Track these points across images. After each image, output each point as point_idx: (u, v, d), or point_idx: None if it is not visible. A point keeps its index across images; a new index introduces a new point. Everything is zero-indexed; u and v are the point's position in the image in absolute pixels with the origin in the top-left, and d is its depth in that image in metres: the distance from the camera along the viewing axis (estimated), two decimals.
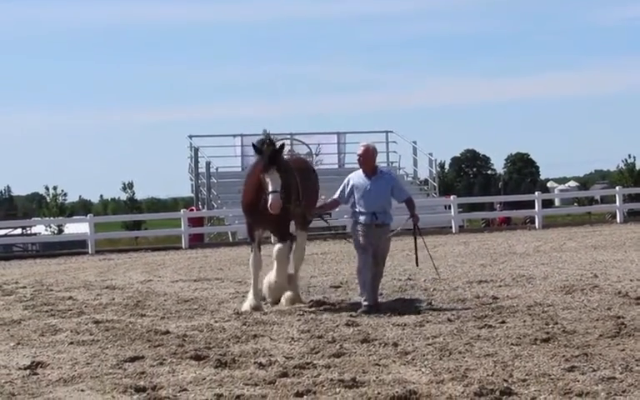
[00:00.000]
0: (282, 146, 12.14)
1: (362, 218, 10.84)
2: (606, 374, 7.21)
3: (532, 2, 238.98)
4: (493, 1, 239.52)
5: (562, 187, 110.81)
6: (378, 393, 6.88)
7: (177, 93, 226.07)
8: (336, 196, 11.47)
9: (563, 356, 8.15)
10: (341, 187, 11.43)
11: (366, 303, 11.19)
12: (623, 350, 8.42)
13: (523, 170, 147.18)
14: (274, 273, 12.52)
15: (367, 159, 10.95)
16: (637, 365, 7.61)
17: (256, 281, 12.66)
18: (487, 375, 7.35)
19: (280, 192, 11.56)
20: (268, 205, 11.45)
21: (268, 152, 11.85)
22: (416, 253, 12.39)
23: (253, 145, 12.32)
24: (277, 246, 12.58)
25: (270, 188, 11.50)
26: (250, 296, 12.51)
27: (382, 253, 11.38)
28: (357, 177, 11.22)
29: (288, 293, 12.83)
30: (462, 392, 6.70)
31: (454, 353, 8.70)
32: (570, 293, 13.65)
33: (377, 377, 7.72)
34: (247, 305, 12.42)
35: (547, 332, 9.71)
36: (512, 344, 9.04)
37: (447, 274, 17.54)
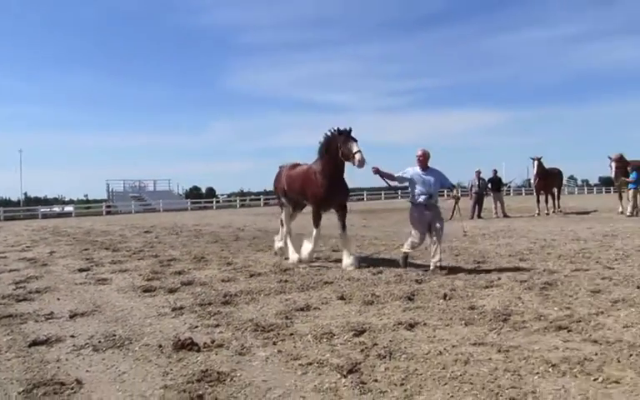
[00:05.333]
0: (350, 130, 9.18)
1: (421, 198, 8.89)
2: None
3: None
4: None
5: None
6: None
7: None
8: (396, 174, 9.23)
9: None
10: (400, 172, 9.21)
11: (403, 250, 9.24)
12: None
13: None
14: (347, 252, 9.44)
15: (425, 159, 9.04)
16: None
17: (316, 245, 9.96)
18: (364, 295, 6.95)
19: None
20: (357, 160, 8.76)
21: (347, 131, 9.12)
22: (459, 213, 10.46)
23: (338, 129, 9.26)
24: (346, 233, 9.75)
25: (355, 148, 8.87)
26: (307, 253, 9.77)
27: (439, 222, 8.85)
28: (413, 171, 9.09)
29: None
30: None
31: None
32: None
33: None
34: (304, 256, 9.81)
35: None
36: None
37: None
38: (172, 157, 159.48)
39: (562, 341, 4.70)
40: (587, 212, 23.51)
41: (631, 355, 4.23)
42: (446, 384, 3.77)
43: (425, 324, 5.37)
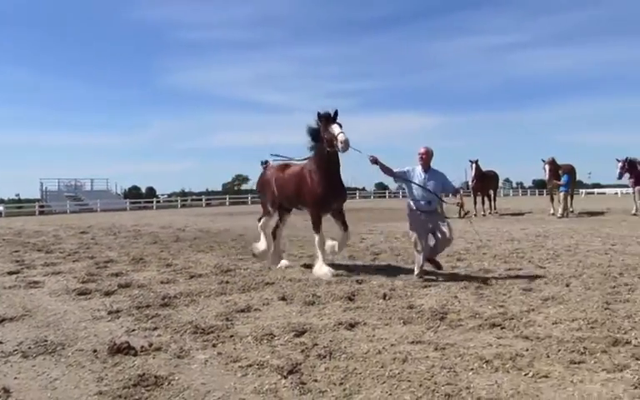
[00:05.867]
0: (336, 112, 8.09)
1: (421, 204, 7.90)
2: None
3: None
4: None
5: None
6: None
7: None
8: (395, 170, 8.14)
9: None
10: (402, 169, 8.12)
11: (416, 273, 7.97)
12: None
13: None
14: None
15: (427, 158, 7.96)
16: None
17: (324, 254, 8.53)
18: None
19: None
20: (340, 141, 7.69)
21: (327, 114, 8.11)
22: (460, 213, 9.13)
23: (318, 113, 8.21)
24: (343, 232, 8.72)
25: (337, 130, 7.82)
26: (323, 265, 8.39)
27: (444, 228, 7.93)
28: (414, 171, 8.02)
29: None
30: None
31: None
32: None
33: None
34: (325, 272, 8.24)
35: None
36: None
37: None
38: (111, 156, 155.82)
39: (496, 338, 4.85)
40: (522, 214, 24.41)
41: (559, 350, 4.41)
42: (384, 382, 3.82)
43: (365, 324, 5.42)
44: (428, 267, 8.21)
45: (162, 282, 8.18)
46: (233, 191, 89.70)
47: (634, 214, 20.62)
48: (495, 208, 24.57)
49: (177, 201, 63.38)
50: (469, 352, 4.43)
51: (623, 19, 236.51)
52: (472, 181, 23.53)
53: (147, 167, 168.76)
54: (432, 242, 8.10)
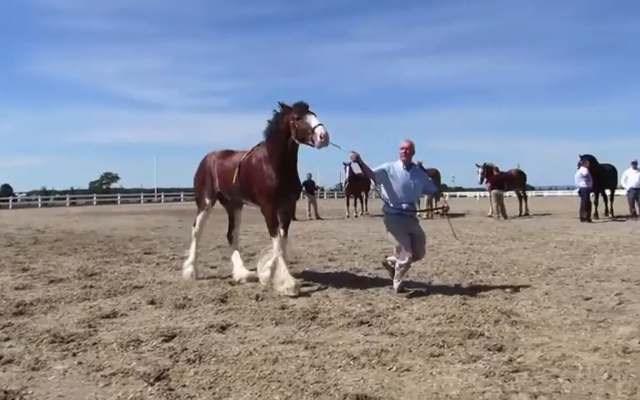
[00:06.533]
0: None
1: (403, 206, 7.04)
2: None
3: None
4: None
5: None
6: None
7: None
8: (374, 169, 7.15)
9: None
10: (380, 167, 7.14)
11: (397, 284, 7.08)
12: None
13: None
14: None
15: (410, 153, 7.12)
16: None
17: (287, 259, 7.55)
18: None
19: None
20: (318, 135, 6.69)
21: (302, 104, 7.07)
22: (452, 228, 8.62)
23: (280, 104, 7.31)
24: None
25: (314, 122, 6.80)
26: (288, 278, 7.08)
27: (422, 235, 7.19)
28: (394, 168, 7.14)
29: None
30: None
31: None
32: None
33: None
34: (289, 285, 7.00)
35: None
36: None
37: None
38: None
39: (363, 335, 5.04)
40: None
41: (420, 344, 4.67)
42: (254, 384, 3.82)
43: (237, 326, 5.40)
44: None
45: (16, 289, 7.56)
46: (101, 190, 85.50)
47: (490, 216, 22.42)
48: (367, 210, 25.55)
49: (37, 200, 59.17)
50: (338, 349, 4.56)
51: (490, 34, 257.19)
52: (346, 183, 24.29)
53: (3, 163, 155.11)
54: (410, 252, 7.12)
